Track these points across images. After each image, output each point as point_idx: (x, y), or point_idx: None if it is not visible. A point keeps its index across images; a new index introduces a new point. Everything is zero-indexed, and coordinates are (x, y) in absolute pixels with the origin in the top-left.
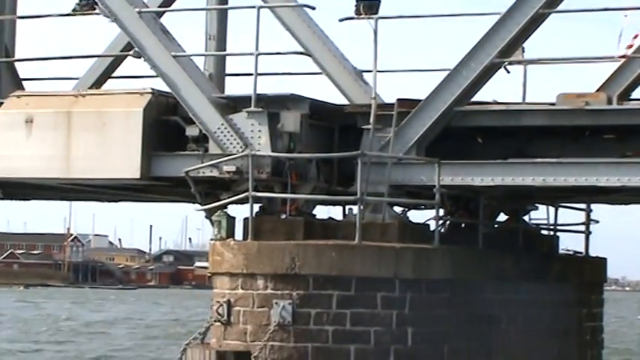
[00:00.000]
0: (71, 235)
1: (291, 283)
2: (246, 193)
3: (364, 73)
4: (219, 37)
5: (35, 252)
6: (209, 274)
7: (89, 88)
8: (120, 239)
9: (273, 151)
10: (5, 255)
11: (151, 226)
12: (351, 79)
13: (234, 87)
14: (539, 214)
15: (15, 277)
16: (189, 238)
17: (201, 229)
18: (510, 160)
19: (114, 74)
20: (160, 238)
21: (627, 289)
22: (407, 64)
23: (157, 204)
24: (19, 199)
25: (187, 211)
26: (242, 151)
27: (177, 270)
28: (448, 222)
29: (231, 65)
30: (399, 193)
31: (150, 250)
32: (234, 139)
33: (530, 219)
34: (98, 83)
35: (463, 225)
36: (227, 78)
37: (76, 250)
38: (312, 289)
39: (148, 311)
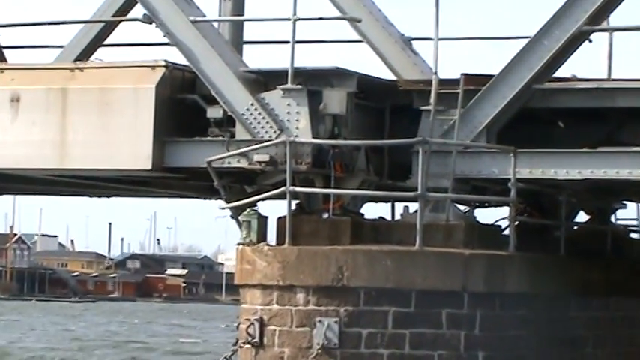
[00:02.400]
0: (15, 235)
1: (337, 297)
2: (283, 188)
3: (413, 42)
4: None
5: None
6: (238, 285)
7: (77, 59)
8: (72, 240)
9: (314, 136)
10: None
11: (110, 224)
12: (398, 49)
13: (253, 59)
14: (625, 214)
15: None
16: (158, 240)
17: (172, 229)
18: (602, 149)
19: (112, 43)
20: (122, 240)
21: None
22: (470, 31)
23: (120, 199)
24: None
25: (156, 207)
26: (276, 137)
27: (144, 278)
28: (517, 223)
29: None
30: (465, 189)
31: (109, 253)
32: (267, 123)
33: (615, 219)
34: (86, 53)
35: (533, 227)
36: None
37: (21, 254)
38: (364, 304)
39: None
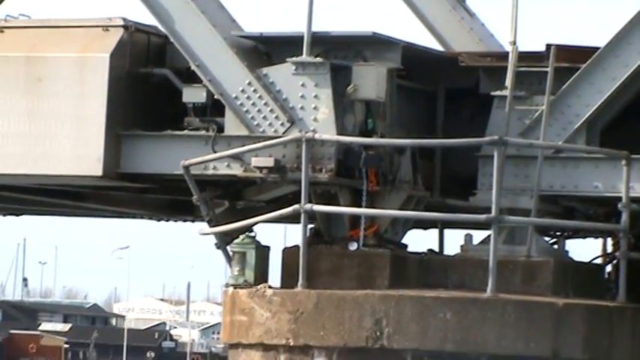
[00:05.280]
0: None
1: None
2: (295, 206)
3: None
4: None
5: None
6: (227, 345)
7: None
8: None
9: (339, 132)
10: None
11: None
12: (446, 9)
13: (249, 21)
14: None
15: None
16: (25, 280)
17: (45, 264)
18: None
19: None
20: None
21: None
22: None
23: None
24: None
25: (25, 231)
26: (285, 132)
27: (8, 337)
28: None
29: None
30: (553, 210)
31: None
32: (271, 111)
33: None
34: None
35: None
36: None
37: None
38: None
39: None
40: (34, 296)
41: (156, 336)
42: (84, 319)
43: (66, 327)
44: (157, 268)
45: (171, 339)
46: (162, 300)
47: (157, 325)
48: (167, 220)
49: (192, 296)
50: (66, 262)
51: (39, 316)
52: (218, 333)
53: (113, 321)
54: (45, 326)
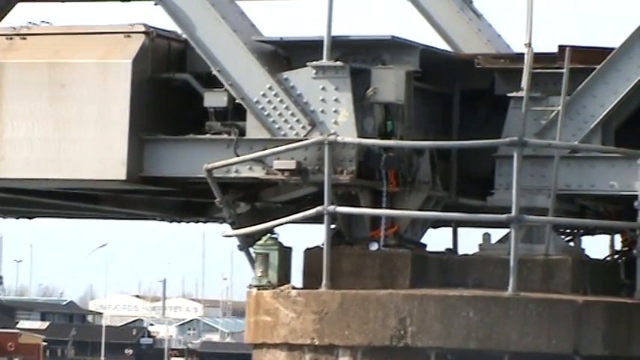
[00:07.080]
0: None
1: None
2: (318, 208)
3: None
4: None
5: None
6: (251, 345)
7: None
8: None
9: (359, 134)
10: None
11: None
12: (454, 10)
13: (268, 26)
14: None
15: None
16: (0, 277)
17: (21, 262)
18: None
19: None
20: None
21: None
22: None
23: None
24: None
25: (1, 230)
26: (306, 135)
27: None
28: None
29: None
30: (570, 209)
31: None
32: (292, 115)
33: None
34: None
35: None
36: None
37: None
38: None
39: None
40: (10, 294)
41: (134, 332)
42: (61, 316)
43: (44, 325)
44: (132, 265)
45: (149, 335)
46: (137, 297)
47: (134, 321)
48: (179, 222)
49: (168, 293)
50: (41, 260)
51: (17, 314)
52: (194, 329)
53: (90, 318)
54: (23, 324)
